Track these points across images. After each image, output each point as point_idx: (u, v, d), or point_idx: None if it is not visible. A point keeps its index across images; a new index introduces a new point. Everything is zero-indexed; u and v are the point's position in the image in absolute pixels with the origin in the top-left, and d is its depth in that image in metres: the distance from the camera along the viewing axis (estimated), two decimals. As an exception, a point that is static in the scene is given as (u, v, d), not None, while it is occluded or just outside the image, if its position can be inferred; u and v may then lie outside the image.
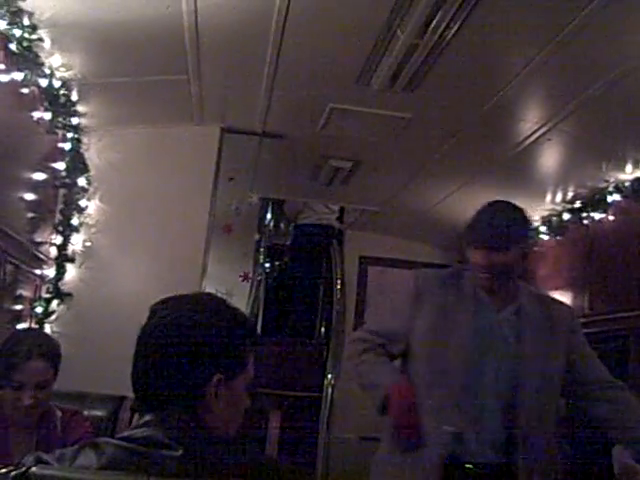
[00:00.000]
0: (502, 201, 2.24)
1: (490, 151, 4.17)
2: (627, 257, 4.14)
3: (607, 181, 4.23)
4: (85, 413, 2.68)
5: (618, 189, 4.20)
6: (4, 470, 1.03)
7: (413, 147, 4.22)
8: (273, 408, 3.01)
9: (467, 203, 5.20)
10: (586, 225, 4.61)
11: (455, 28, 2.77)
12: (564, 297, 4.85)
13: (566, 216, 4.79)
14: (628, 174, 4.07)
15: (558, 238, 4.98)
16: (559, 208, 4.87)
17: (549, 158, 4.22)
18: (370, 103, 3.63)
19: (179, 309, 1.20)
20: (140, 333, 1.21)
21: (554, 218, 4.97)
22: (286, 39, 3.02)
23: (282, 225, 7.23)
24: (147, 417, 1.15)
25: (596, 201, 4.42)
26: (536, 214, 5.14)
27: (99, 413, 2.87)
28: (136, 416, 2.91)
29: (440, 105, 3.60)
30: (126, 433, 1.13)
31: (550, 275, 5.11)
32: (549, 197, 4.78)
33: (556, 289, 4.98)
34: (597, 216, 4.45)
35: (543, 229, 5.14)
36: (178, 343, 1.16)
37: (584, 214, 4.58)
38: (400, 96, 3.45)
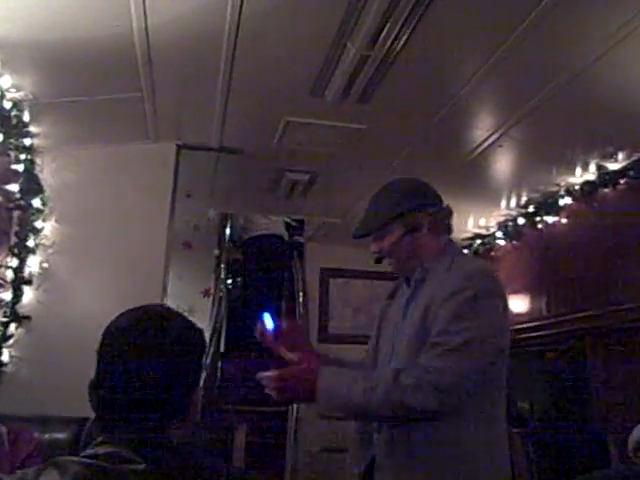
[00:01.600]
0: (387, 184, 2.14)
1: (444, 159, 4.24)
2: (580, 258, 4.25)
3: (558, 185, 4.35)
4: (46, 436, 2.64)
5: (569, 192, 4.31)
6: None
7: (369, 158, 4.27)
8: (239, 423, 3.01)
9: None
10: (540, 229, 4.72)
11: (404, 38, 2.83)
12: (523, 301, 4.95)
13: (521, 220, 4.89)
14: (578, 177, 4.19)
15: (514, 243, 5.09)
16: (514, 213, 4.97)
17: (502, 164, 4.31)
18: (325, 115, 3.67)
19: (148, 325, 1.20)
20: (106, 350, 1.20)
21: (510, 223, 5.08)
22: (238, 53, 3.03)
23: (237, 240, 7.24)
24: (108, 434, 1.14)
25: (549, 205, 4.54)
26: (492, 220, 5.25)
27: (61, 436, 2.84)
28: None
29: (393, 115, 3.65)
30: (88, 451, 1.12)
31: (508, 279, 5.21)
32: (504, 202, 4.87)
33: (515, 293, 5.08)
34: (550, 219, 4.56)
35: (499, 234, 5.25)
36: (155, 362, 1.15)
37: (538, 218, 4.69)
38: (354, 107, 3.50)
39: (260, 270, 6.75)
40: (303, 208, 5.66)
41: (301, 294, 6.50)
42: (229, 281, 7.14)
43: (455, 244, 2.12)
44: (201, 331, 1.29)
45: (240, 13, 2.68)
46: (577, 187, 4.24)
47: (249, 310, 6.45)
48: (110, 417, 1.16)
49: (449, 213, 2.07)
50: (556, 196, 4.42)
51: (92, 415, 3.05)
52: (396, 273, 2.14)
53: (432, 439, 1.77)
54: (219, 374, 6.21)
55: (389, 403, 1.70)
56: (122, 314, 1.25)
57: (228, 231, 6.85)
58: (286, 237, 7.04)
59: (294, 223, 7.29)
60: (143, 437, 1.12)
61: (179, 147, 4.22)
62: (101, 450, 1.10)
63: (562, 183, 4.32)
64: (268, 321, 2.07)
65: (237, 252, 7.04)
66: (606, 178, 3.95)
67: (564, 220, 4.46)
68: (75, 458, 1.10)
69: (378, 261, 2.08)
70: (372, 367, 2.08)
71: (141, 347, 1.16)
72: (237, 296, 7.09)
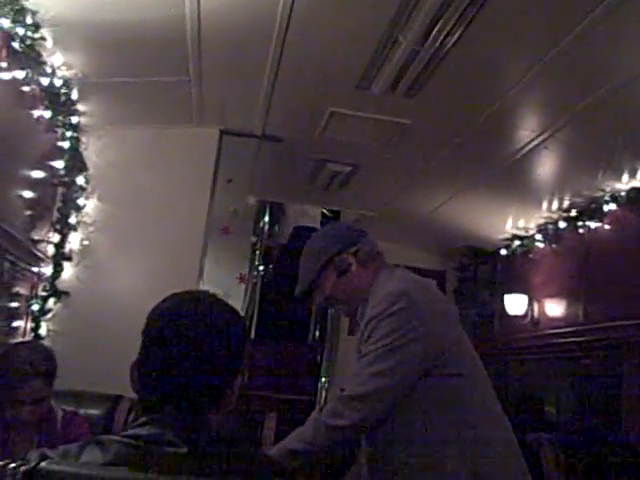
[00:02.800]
0: (308, 242, 2.15)
1: (488, 158, 4.19)
2: (622, 266, 4.17)
3: (603, 190, 4.27)
4: (81, 412, 2.69)
5: (614, 198, 4.23)
6: (13, 465, 1.03)
7: (411, 153, 4.24)
8: (269, 410, 3.02)
9: (463, 210, 5.26)
10: (582, 234, 4.64)
11: (456, 36, 2.80)
12: (559, 305, 4.88)
13: (562, 224, 4.82)
14: (624, 184, 4.10)
15: (554, 246, 5.01)
16: (555, 216, 4.90)
17: (546, 166, 4.25)
18: (370, 108, 3.65)
19: (196, 310, 1.20)
20: (151, 332, 1.20)
21: (550, 226, 5.00)
22: (288, 43, 3.03)
23: (277, 227, 7.25)
24: (151, 415, 1.15)
25: (592, 210, 4.46)
26: (532, 222, 5.18)
27: (95, 412, 2.88)
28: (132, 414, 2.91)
29: (439, 112, 3.62)
30: (130, 431, 1.14)
31: (545, 283, 5.15)
32: (545, 205, 4.80)
33: (551, 297, 5.02)
34: (593, 225, 4.48)
35: (539, 237, 5.17)
36: (199, 348, 1.16)
37: (580, 222, 4.61)
38: (400, 102, 3.47)
39: (296, 259, 6.74)
40: (340, 200, 5.65)
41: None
42: (261, 267, 7.17)
43: (386, 267, 2.08)
44: (244, 320, 1.30)
45: (293, 2, 2.67)
46: (623, 193, 4.15)
47: (281, 297, 6.47)
48: (153, 399, 1.17)
49: (373, 243, 2.08)
50: (601, 201, 4.34)
51: (125, 393, 3.10)
52: (349, 316, 2.18)
53: (404, 445, 1.83)
54: (248, 360, 6.26)
55: (325, 432, 1.80)
56: (168, 297, 1.25)
57: (267, 218, 6.87)
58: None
59: (330, 214, 7.29)
60: (185, 421, 1.13)
61: (222, 132, 4.25)
62: (143, 431, 1.11)
63: (607, 189, 4.23)
64: None
65: (276, 240, 7.06)
66: (655, 186, 3.86)
67: (607, 226, 4.37)
68: (117, 437, 1.11)
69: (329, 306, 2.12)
70: None
71: (186, 332, 1.16)
72: (270, 283, 7.12)
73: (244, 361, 1.25)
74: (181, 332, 1.17)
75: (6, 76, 2.78)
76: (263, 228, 6.83)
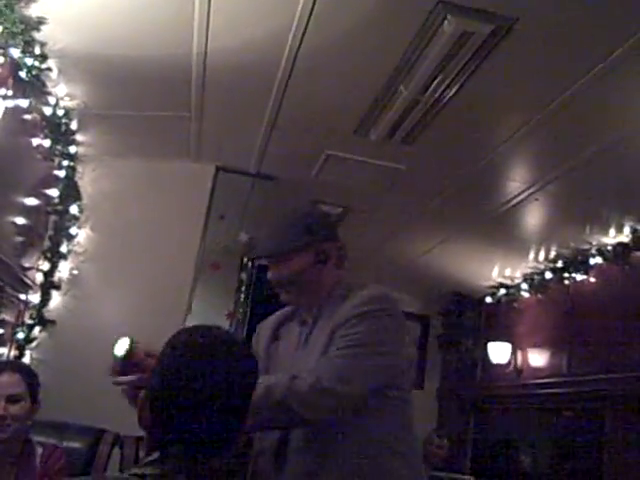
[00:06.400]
0: (295, 210, 2.01)
1: (478, 207, 4.26)
2: (606, 320, 4.22)
3: (590, 243, 4.34)
4: (63, 445, 2.65)
5: (600, 252, 4.30)
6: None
7: (403, 198, 4.30)
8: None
9: (451, 256, 5.31)
10: (567, 285, 4.70)
11: (454, 89, 2.88)
12: (543, 356, 4.92)
13: (548, 275, 4.87)
14: (611, 238, 4.18)
15: (539, 296, 5.06)
16: (541, 267, 4.96)
17: (535, 217, 4.32)
18: (366, 153, 3.71)
19: (214, 348, 1.19)
20: (164, 367, 1.19)
21: (536, 276, 5.06)
22: (290, 87, 3.09)
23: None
24: (160, 454, 1.13)
25: (578, 262, 4.52)
26: (518, 271, 5.23)
27: (77, 445, 2.82)
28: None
29: (434, 160, 3.69)
30: (134, 470, 1.12)
31: (530, 332, 5.18)
32: (532, 255, 4.86)
33: (535, 347, 5.05)
34: (579, 277, 4.54)
35: (524, 286, 5.23)
36: (218, 385, 1.15)
37: (566, 274, 4.67)
38: (396, 148, 3.53)
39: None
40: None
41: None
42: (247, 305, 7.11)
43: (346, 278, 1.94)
44: (256, 359, 1.29)
45: (299, 47, 2.73)
46: (609, 248, 4.22)
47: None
48: (165, 437, 1.15)
49: (346, 248, 2.00)
50: (587, 254, 4.41)
51: (109, 427, 3.05)
52: (289, 305, 1.97)
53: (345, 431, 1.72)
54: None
55: (289, 416, 1.62)
56: (182, 332, 1.24)
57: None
58: None
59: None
60: (195, 463, 1.12)
61: (218, 169, 4.28)
62: (149, 470, 1.10)
63: (594, 242, 4.31)
64: (119, 348, 1.52)
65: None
66: (640, 242, 3.93)
67: (593, 279, 4.44)
68: (124, 475, 1.11)
69: (273, 295, 1.92)
70: None
71: (204, 370, 1.16)
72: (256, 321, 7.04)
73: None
74: (200, 371, 1.16)
75: (10, 104, 2.81)
76: (246, 264, 6.79)
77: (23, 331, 3.58)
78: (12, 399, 2.19)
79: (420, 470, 1.88)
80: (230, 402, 1.16)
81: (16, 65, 2.74)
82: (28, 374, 2.29)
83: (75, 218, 3.93)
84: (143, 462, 1.13)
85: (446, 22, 2.41)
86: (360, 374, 1.68)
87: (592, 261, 4.39)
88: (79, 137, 3.72)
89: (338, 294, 1.87)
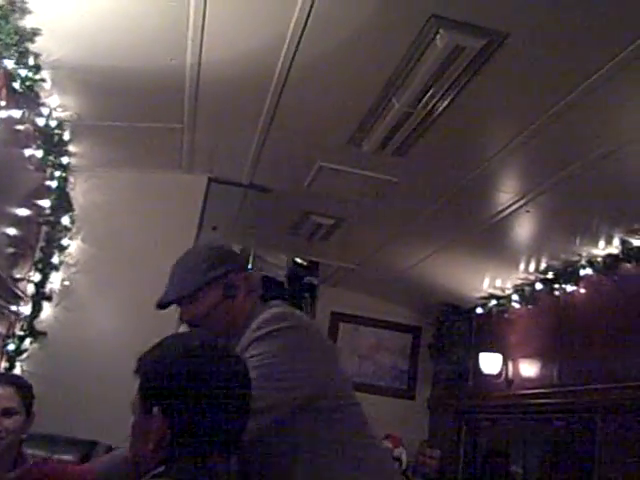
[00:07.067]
0: (193, 249, 2.00)
1: (469, 219, 4.28)
2: (596, 330, 4.24)
3: (580, 255, 4.36)
4: (54, 458, 2.64)
5: (590, 263, 4.33)
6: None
7: (395, 210, 4.32)
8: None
9: (442, 267, 5.33)
10: (557, 296, 4.72)
11: (447, 102, 2.91)
12: (534, 366, 4.93)
13: (538, 286, 4.90)
14: (600, 249, 4.21)
15: (530, 307, 5.09)
16: (532, 277, 4.98)
17: (525, 228, 4.34)
18: (358, 164, 3.73)
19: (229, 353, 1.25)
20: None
21: (526, 287, 5.08)
22: (283, 99, 3.11)
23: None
24: (166, 467, 1.14)
25: (568, 273, 4.55)
26: (509, 282, 5.26)
27: (68, 457, 2.82)
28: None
29: (425, 172, 3.71)
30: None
31: (520, 343, 5.20)
32: (522, 266, 4.88)
33: (526, 357, 5.07)
34: (569, 288, 4.56)
35: (515, 297, 5.25)
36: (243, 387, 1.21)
37: (556, 285, 4.70)
38: (388, 160, 3.56)
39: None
40: (321, 251, 5.69)
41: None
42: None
43: (260, 302, 1.91)
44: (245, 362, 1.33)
45: (292, 59, 2.75)
46: (599, 259, 4.25)
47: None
48: (171, 448, 1.15)
49: (258, 273, 1.98)
50: (577, 266, 4.43)
51: (101, 439, 3.03)
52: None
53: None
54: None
55: None
56: (190, 334, 1.27)
57: (250, 266, 6.86)
58: (286, 284, 6.94)
59: (305, 263, 7.27)
60: (203, 470, 1.14)
61: (210, 180, 4.28)
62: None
63: (584, 253, 4.33)
64: None
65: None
66: (630, 253, 3.96)
67: (583, 290, 4.46)
68: None
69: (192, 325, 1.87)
70: None
71: (201, 374, 1.18)
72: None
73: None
74: (201, 376, 1.18)
75: (3, 114, 2.81)
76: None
77: (14, 343, 3.57)
78: (7, 412, 2.17)
79: (380, 467, 1.81)
80: (230, 403, 1.19)
81: (10, 76, 2.75)
82: (22, 387, 2.27)
83: (67, 229, 3.92)
84: (150, 475, 1.14)
85: (438, 36, 2.43)
86: (260, 408, 1.52)
87: (582, 272, 4.41)
88: (72, 148, 3.73)
89: (252, 322, 1.81)
